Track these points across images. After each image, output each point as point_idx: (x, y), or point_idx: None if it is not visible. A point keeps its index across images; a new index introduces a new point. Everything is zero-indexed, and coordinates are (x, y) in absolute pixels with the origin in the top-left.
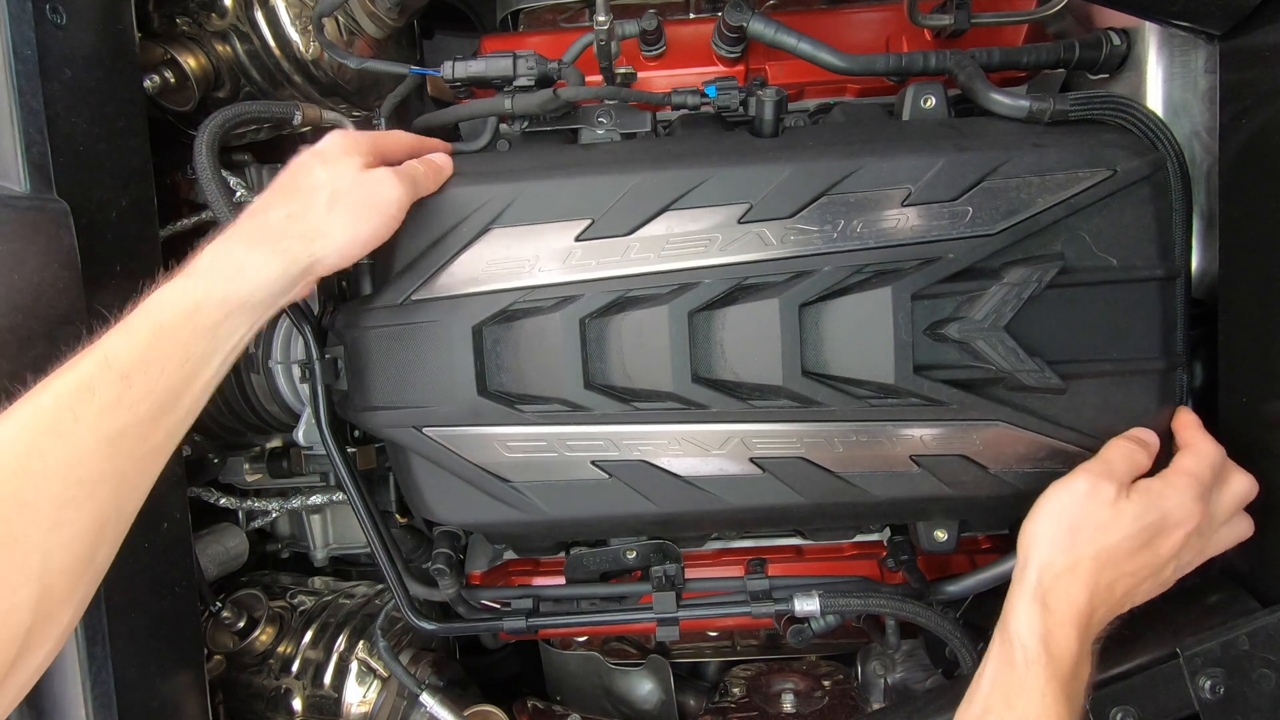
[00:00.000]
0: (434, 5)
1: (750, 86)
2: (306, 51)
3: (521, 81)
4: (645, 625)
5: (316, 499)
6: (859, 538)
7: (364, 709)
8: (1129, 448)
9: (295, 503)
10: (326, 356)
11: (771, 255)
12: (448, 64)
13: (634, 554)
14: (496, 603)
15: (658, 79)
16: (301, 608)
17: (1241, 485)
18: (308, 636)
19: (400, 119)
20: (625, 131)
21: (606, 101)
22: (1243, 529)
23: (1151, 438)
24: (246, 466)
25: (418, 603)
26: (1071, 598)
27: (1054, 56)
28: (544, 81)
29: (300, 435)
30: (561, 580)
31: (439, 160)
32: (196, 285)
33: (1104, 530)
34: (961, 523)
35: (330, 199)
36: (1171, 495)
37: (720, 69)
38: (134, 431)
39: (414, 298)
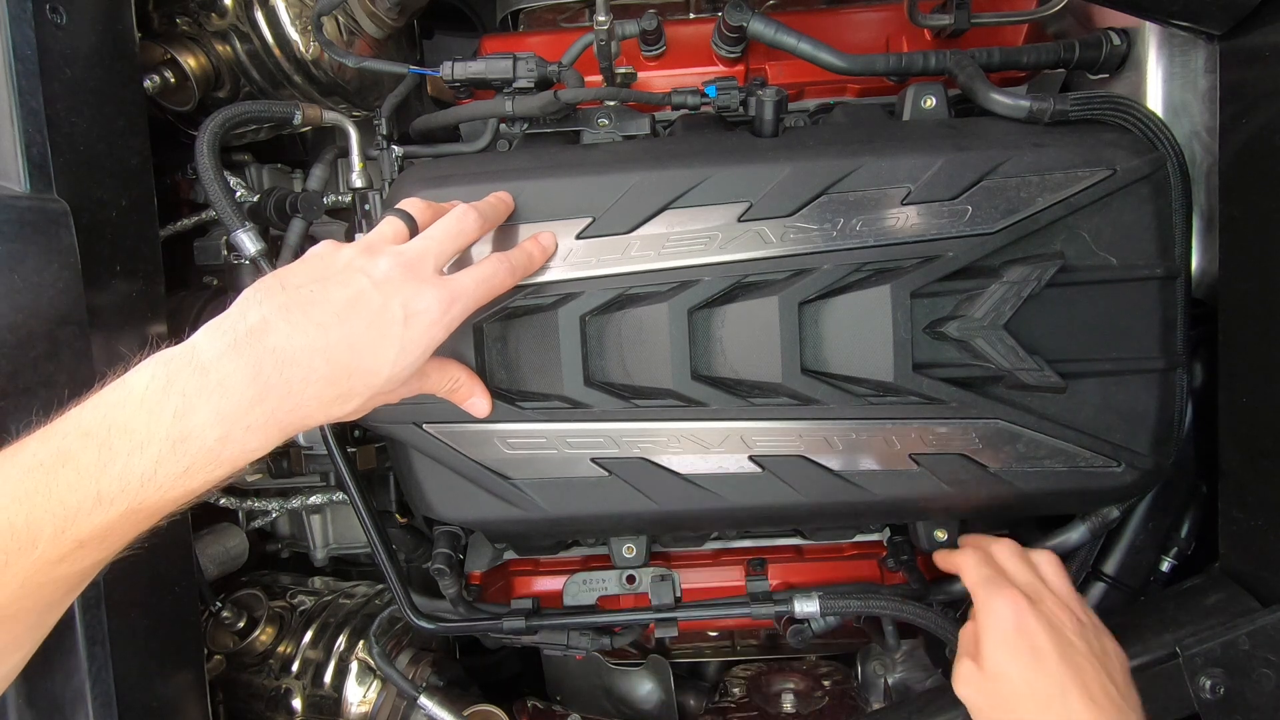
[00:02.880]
0: (434, 5)
1: (750, 86)
2: (306, 51)
3: (521, 84)
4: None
5: (316, 499)
6: (859, 538)
7: (364, 709)
8: None
9: (295, 503)
10: None
11: (771, 253)
12: (447, 64)
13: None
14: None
15: (658, 79)
16: (301, 608)
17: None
18: (308, 636)
19: (400, 119)
20: (626, 134)
21: (607, 103)
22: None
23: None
24: (247, 466)
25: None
26: None
27: (1054, 56)
28: (544, 84)
29: (300, 435)
30: (562, 580)
31: (476, 403)
32: (194, 478)
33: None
34: (961, 523)
35: (366, 402)
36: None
37: (720, 69)
38: (68, 582)
39: None
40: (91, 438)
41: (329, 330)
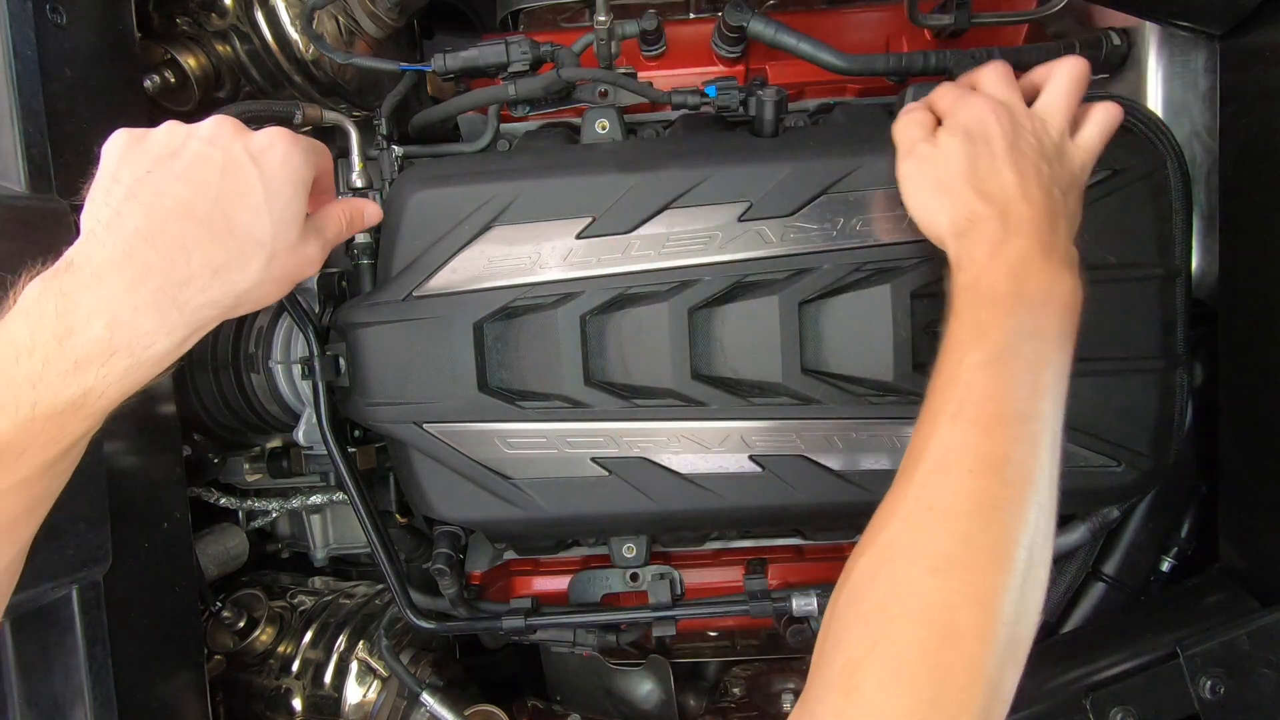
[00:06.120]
0: (434, 5)
1: (750, 86)
2: (306, 51)
3: (516, 67)
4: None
5: (316, 499)
6: (859, 538)
7: (364, 709)
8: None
9: (295, 503)
10: (328, 354)
11: (771, 253)
12: (438, 56)
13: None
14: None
15: (658, 79)
16: (301, 608)
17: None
18: (308, 636)
19: (400, 119)
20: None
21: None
22: (1101, 113)
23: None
24: (246, 466)
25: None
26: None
27: (1054, 56)
28: (538, 64)
29: (300, 435)
30: (562, 580)
31: (368, 212)
32: (89, 373)
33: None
34: None
35: (268, 262)
36: (961, 110)
37: (720, 69)
38: None
39: (415, 294)
40: None
41: (183, 193)
